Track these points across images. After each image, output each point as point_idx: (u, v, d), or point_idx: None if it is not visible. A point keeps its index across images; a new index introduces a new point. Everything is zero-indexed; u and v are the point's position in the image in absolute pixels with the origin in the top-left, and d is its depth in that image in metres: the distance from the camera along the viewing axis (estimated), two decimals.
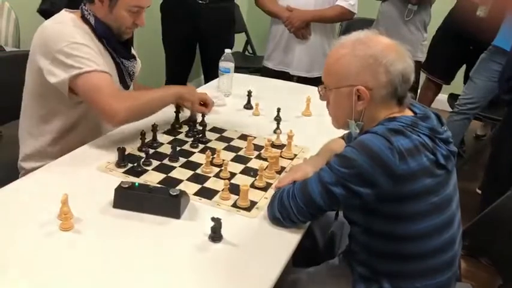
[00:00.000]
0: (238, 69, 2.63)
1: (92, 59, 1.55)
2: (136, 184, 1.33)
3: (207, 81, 2.86)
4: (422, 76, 3.54)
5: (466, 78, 3.52)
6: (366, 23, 3.02)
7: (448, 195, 1.23)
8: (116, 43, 1.69)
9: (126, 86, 1.78)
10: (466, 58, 3.39)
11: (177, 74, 3.11)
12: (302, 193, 1.24)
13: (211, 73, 2.75)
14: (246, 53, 4.14)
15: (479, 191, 2.86)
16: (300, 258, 1.58)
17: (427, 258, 1.24)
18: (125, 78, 1.75)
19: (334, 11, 2.69)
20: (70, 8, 1.67)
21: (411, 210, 1.19)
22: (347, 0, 2.67)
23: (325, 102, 1.36)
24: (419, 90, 3.55)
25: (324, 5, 2.69)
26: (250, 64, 3.83)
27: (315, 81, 2.63)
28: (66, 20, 1.61)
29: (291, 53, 2.78)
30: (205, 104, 1.91)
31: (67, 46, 1.53)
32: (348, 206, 1.30)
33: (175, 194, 1.29)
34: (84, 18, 1.63)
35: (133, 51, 1.85)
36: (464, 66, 3.50)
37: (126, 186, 1.30)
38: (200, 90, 2.29)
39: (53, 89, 1.57)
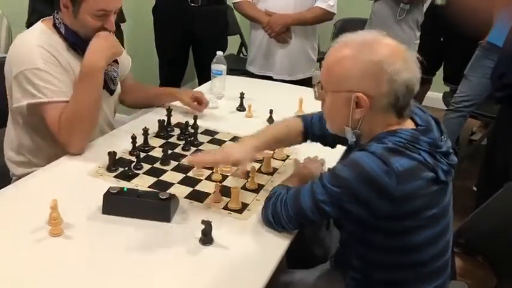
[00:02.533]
0: (232, 72, 2.61)
1: (51, 87, 1.53)
2: (125, 189, 1.31)
3: (201, 84, 2.85)
4: None
5: (445, 73, 3.62)
6: (359, 23, 3.04)
7: (446, 205, 1.19)
8: None
9: (110, 91, 1.76)
10: (440, 51, 3.47)
11: (170, 77, 3.10)
12: (294, 203, 1.21)
13: (205, 76, 2.74)
14: (241, 55, 4.13)
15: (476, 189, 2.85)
16: (294, 260, 1.57)
17: (424, 266, 1.20)
18: (107, 83, 1.72)
19: (313, 13, 2.65)
20: None
21: (409, 225, 1.14)
22: (326, 1, 2.63)
23: (318, 103, 1.27)
24: None
25: (303, 7, 2.64)
26: (245, 66, 3.81)
27: (298, 84, 2.62)
28: (32, 37, 1.58)
29: (273, 58, 2.74)
30: (198, 101, 1.93)
31: (28, 71, 1.52)
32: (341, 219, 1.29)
33: (165, 197, 1.28)
34: (55, 27, 1.61)
35: None
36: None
37: (115, 191, 1.29)
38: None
39: None
